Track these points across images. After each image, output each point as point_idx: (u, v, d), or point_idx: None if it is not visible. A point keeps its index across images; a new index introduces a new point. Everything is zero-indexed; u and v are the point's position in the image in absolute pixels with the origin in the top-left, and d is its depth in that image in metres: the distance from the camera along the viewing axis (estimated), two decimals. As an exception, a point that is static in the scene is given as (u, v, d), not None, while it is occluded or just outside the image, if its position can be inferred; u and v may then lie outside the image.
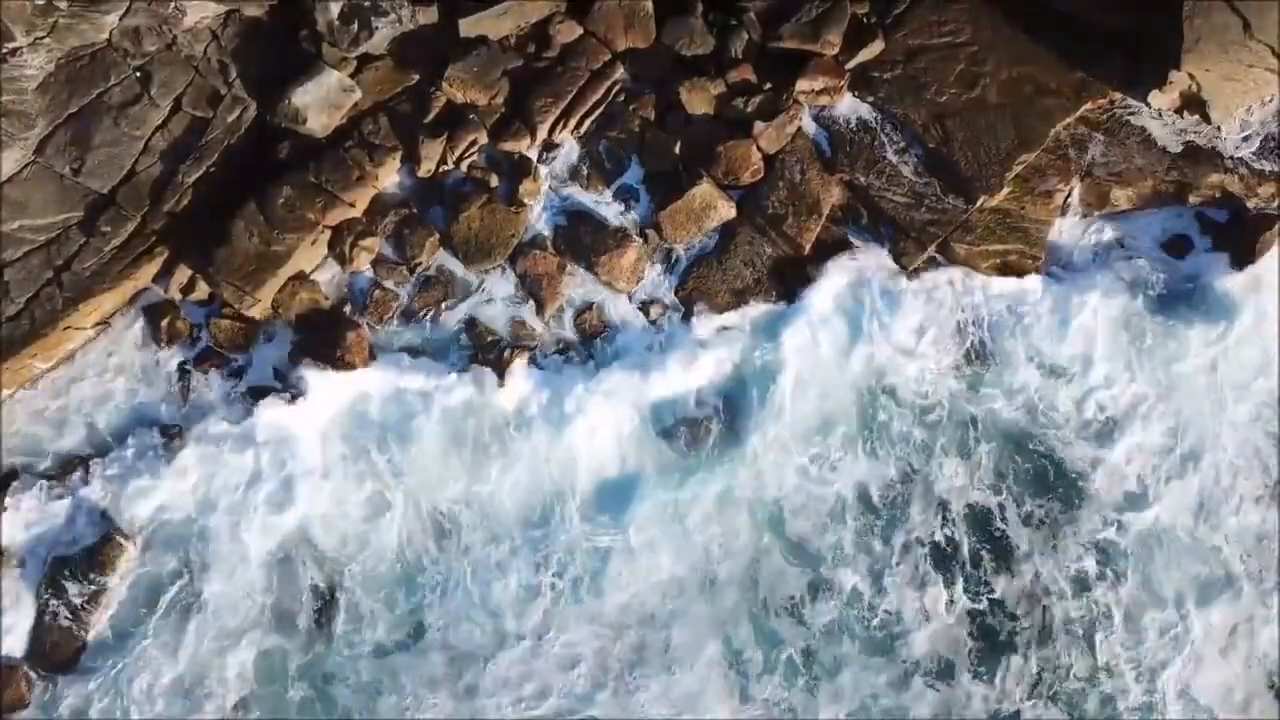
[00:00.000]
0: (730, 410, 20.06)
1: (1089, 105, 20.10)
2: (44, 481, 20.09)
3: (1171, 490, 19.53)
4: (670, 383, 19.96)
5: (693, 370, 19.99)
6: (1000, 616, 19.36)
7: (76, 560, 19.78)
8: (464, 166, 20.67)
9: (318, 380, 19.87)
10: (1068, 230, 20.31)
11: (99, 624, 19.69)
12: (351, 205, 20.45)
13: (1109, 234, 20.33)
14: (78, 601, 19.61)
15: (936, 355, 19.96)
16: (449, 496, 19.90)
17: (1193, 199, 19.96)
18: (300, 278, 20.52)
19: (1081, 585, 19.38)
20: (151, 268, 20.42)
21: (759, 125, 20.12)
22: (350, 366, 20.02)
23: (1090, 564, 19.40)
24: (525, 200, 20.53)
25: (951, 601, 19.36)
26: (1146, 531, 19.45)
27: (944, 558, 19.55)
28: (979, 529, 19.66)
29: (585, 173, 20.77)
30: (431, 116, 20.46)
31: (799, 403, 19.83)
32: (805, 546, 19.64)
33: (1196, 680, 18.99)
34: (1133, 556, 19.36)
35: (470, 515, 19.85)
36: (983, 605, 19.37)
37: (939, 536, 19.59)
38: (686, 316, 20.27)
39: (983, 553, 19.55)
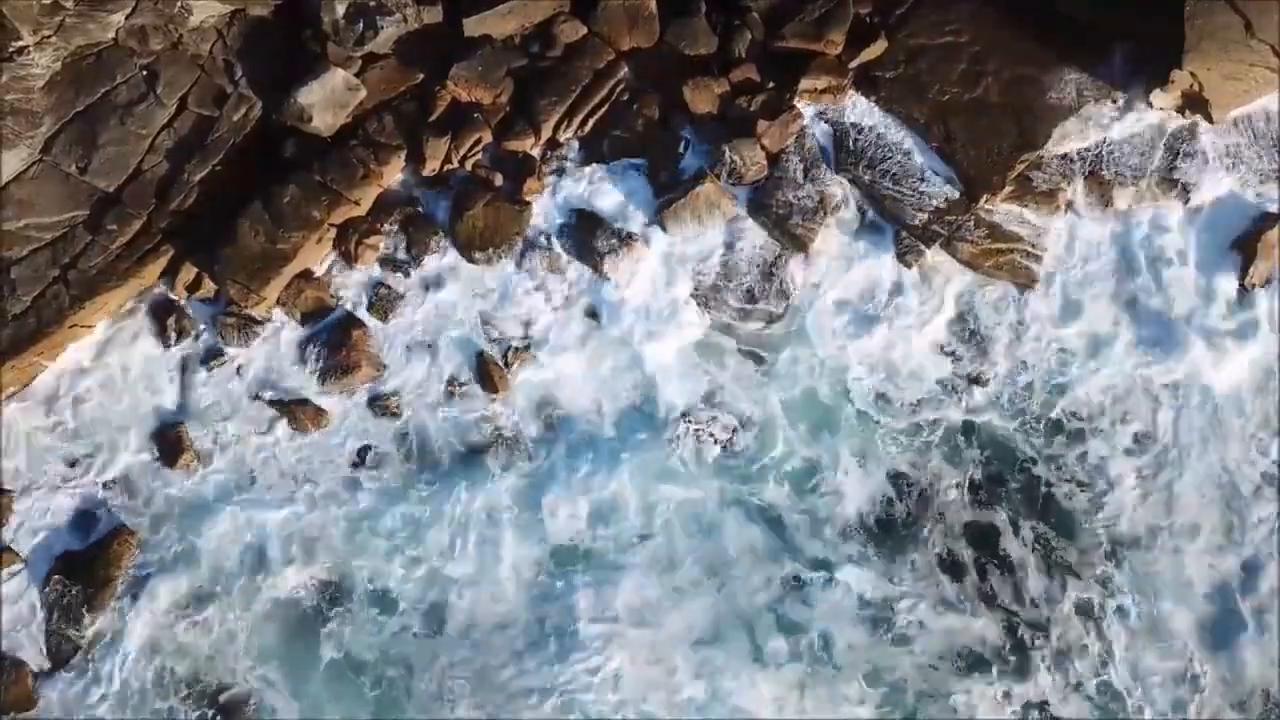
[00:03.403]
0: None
1: (1090, 105, 20.16)
2: (50, 479, 20.22)
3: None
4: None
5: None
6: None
7: (85, 556, 19.90)
8: (468, 165, 20.74)
9: None
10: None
11: (107, 618, 19.81)
12: (356, 203, 20.51)
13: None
14: (85, 596, 19.73)
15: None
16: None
17: (1194, 199, 20.06)
18: (306, 276, 20.62)
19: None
20: (157, 266, 20.51)
21: (763, 124, 20.19)
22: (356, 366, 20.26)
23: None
24: (529, 199, 20.62)
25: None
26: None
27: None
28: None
29: (588, 171, 20.84)
30: (436, 115, 20.52)
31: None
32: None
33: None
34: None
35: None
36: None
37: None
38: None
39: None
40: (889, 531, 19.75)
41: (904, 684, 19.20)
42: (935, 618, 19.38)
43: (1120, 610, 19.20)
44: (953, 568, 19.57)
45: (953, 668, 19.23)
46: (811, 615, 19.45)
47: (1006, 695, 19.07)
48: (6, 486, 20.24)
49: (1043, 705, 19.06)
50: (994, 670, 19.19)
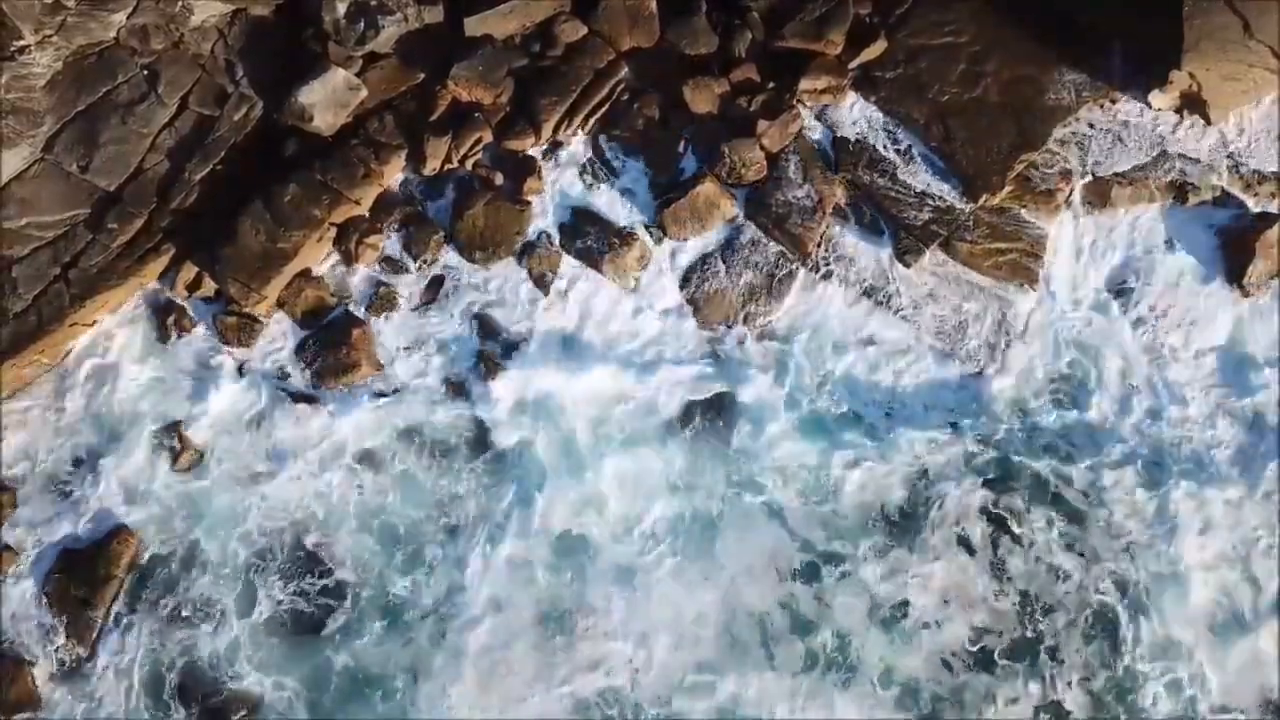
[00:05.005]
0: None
1: (1089, 105, 20.23)
2: (53, 478, 20.25)
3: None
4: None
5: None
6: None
7: (85, 555, 19.89)
8: (469, 165, 20.80)
9: None
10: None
11: (107, 617, 19.80)
12: (357, 203, 20.56)
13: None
14: (85, 595, 19.71)
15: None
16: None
17: (1193, 199, 20.10)
18: (306, 275, 20.65)
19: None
20: (158, 265, 20.54)
21: (762, 124, 20.24)
22: (356, 365, 20.29)
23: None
24: (529, 198, 20.67)
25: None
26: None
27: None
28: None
29: (589, 171, 20.91)
30: (437, 115, 20.57)
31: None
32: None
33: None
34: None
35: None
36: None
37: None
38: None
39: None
40: (902, 528, 19.68)
41: (917, 684, 19.12)
42: (946, 615, 19.37)
43: (1130, 610, 19.20)
44: (963, 565, 19.53)
45: (965, 666, 19.20)
46: (823, 612, 19.40)
47: (1015, 700, 19.03)
48: (8, 484, 20.27)
49: (1055, 705, 19.01)
50: (1006, 669, 19.15)
